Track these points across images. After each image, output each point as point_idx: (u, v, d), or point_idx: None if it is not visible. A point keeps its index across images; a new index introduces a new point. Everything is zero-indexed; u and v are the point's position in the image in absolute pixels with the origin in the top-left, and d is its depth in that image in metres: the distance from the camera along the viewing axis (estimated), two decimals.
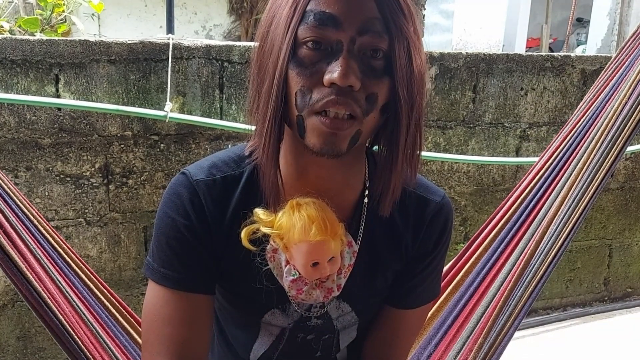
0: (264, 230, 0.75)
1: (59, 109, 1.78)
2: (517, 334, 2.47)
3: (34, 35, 2.10)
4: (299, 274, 0.77)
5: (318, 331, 0.85)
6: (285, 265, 0.78)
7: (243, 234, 0.76)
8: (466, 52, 2.28)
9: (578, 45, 6.63)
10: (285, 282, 0.79)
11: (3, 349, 1.89)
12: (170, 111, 1.82)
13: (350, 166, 0.78)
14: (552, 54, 2.50)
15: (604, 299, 2.77)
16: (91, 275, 1.09)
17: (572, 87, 2.42)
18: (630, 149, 2.50)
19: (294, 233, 0.73)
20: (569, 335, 2.48)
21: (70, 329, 0.90)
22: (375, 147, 0.81)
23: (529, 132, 2.42)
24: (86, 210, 1.88)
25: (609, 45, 5.34)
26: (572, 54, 2.46)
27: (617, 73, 1.21)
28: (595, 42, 5.51)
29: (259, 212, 0.76)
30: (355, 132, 0.69)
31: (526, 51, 5.61)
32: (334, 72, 0.65)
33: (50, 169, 1.81)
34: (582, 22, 6.65)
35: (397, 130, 0.71)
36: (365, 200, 0.81)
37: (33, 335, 1.92)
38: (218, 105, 1.95)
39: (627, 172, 2.63)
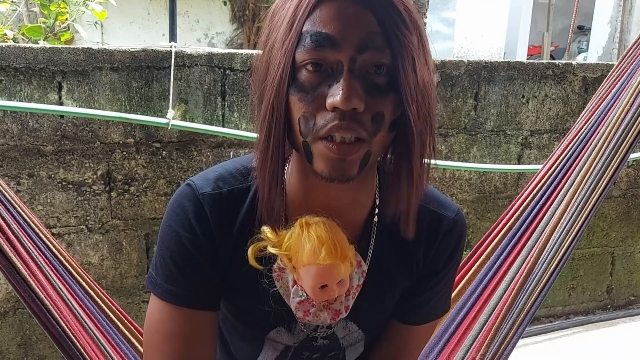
0: (272, 250, 0.73)
1: (62, 117, 1.78)
2: (520, 342, 2.45)
3: (38, 43, 2.12)
4: (307, 295, 0.74)
5: (324, 350, 0.83)
6: (293, 286, 0.76)
7: (250, 252, 0.73)
8: (467, 60, 2.28)
9: (579, 53, 6.65)
10: (292, 303, 0.77)
11: (4, 357, 1.88)
12: (172, 118, 1.82)
13: (361, 184, 0.74)
14: (553, 61, 2.51)
15: (607, 307, 2.76)
16: (92, 284, 1.09)
17: (574, 94, 2.42)
18: (632, 156, 2.49)
19: (303, 255, 0.71)
20: (572, 344, 2.46)
21: (72, 336, 0.89)
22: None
23: (530, 140, 2.42)
24: (88, 218, 1.88)
25: (610, 53, 5.35)
26: (574, 62, 2.46)
27: (619, 81, 1.21)
28: (596, 49, 5.53)
29: (267, 230, 0.73)
30: (364, 155, 0.66)
31: (527, 59, 5.62)
32: (335, 96, 0.62)
33: (53, 176, 1.81)
34: (583, 30, 6.67)
35: (408, 146, 0.68)
36: (376, 219, 0.78)
37: (34, 342, 1.91)
38: (220, 113, 1.96)
39: (630, 179, 2.63)
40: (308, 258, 0.70)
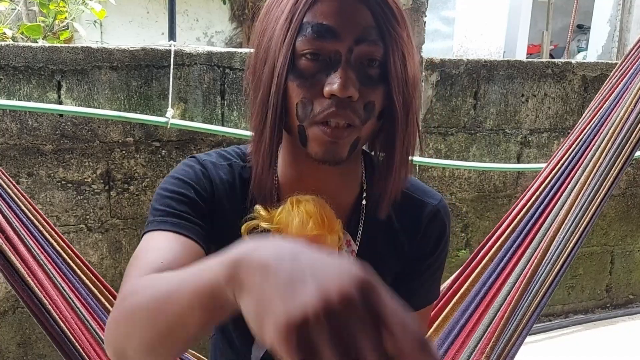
0: (264, 225, 0.76)
1: (61, 116, 1.78)
2: None
3: (37, 42, 2.11)
4: None
5: None
6: None
7: (243, 229, 0.77)
8: (467, 59, 2.28)
9: (579, 52, 6.65)
10: None
11: (3, 356, 1.88)
12: (171, 117, 1.82)
13: (348, 170, 0.81)
14: (552, 60, 2.51)
15: (606, 305, 2.76)
16: (95, 280, 1.10)
17: (573, 93, 2.42)
18: None
19: (292, 228, 0.74)
20: (571, 342, 2.47)
21: (71, 335, 0.90)
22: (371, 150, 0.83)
23: (530, 139, 2.42)
24: (87, 217, 1.88)
25: (610, 52, 5.35)
26: (573, 61, 2.46)
27: (622, 80, 1.21)
28: (595, 48, 5.53)
29: (259, 208, 0.77)
30: (354, 139, 0.71)
31: (527, 58, 5.62)
32: (333, 84, 0.67)
33: (52, 175, 1.81)
34: (582, 29, 6.67)
35: (393, 135, 0.74)
36: (364, 202, 0.83)
37: (34, 341, 1.91)
38: (219, 112, 1.96)
39: (629, 178, 2.63)
40: (297, 230, 0.74)
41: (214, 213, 0.78)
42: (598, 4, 5.52)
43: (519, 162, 2.42)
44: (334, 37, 0.68)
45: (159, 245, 0.71)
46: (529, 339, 2.50)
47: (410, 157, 0.78)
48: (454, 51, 5.66)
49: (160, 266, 0.66)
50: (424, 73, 2.02)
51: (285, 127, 0.74)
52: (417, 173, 2.15)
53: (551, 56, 6.15)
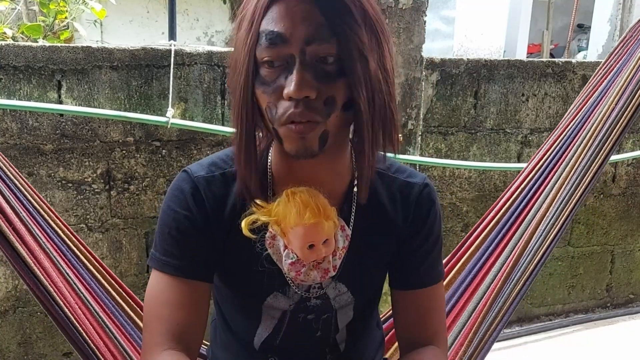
0: (262, 218, 0.81)
1: (61, 115, 1.78)
2: (520, 340, 2.48)
3: (37, 42, 2.12)
4: (297, 257, 0.82)
5: (318, 311, 0.90)
6: (284, 250, 0.83)
7: (243, 224, 0.81)
8: (467, 58, 2.28)
9: (579, 51, 6.66)
10: (284, 266, 0.84)
11: (4, 355, 1.89)
12: (172, 117, 1.82)
13: (335, 159, 0.85)
14: (553, 59, 2.51)
15: (607, 305, 2.76)
16: (98, 266, 1.17)
17: (573, 93, 2.42)
18: (632, 154, 2.50)
19: (290, 218, 0.79)
20: (572, 342, 2.47)
21: (75, 320, 0.95)
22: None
23: (530, 138, 2.42)
24: (88, 216, 1.88)
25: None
26: (573, 60, 2.46)
27: (605, 78, 1.28)
28: (596, 47, 5.54)
29: (258, 201, 0.82)
30: (322, 133, 0.75)
31: (527, 57, 5.62)
32: (289, 87, 0.71)
33: (52, 174, 1.81)
34: (583, 28, 6.68)
35: (360, 124, 0.77)
36: (355, 189, 0.87)
37: (34, 341, 1.91)
38: (220, 112, 1.96)
39: (629, 177, 2.63)
40: (295, 220, 0.79)
41: (213, 229, 0.85)
42: (598, 4, 5.52)
43: (519, 161, 2.42)
44: (284, 42, 0.71)
45: (170, 298, 0.82)
46: (529, 338, 2.52)
47: (381, 142, 0.80)
48: (454, 51, 5.67)
49: (176, 334, 0.81)
50: (424, 73, 2.02)
51: (268, 129, 0.79)
52: None
53: (551, 55, 6.17)
